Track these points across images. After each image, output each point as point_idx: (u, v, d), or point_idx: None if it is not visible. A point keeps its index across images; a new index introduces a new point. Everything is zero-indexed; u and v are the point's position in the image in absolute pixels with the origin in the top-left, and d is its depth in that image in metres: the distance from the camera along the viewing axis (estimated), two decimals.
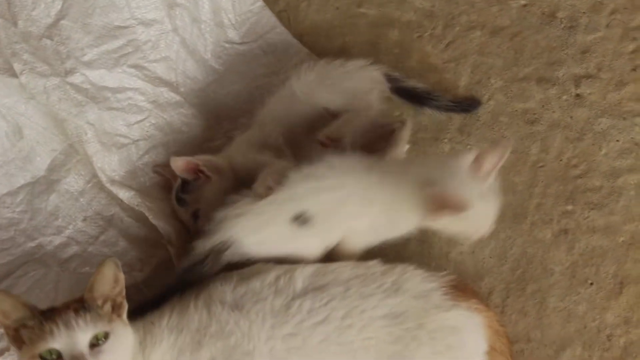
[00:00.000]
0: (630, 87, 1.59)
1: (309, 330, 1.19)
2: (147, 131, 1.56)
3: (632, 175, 1.50)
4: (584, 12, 1.67)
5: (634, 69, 1.61)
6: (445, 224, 1.27)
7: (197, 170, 1.43)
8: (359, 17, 1.74)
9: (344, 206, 1.28)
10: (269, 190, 1.28)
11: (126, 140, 1.54)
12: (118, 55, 1.58)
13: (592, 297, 1.40)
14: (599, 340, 1.37)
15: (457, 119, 1.53)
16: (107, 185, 1.48)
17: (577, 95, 1.59)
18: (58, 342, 1.09)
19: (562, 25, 1.66)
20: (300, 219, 1.28)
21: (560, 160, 1.53)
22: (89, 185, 1.52)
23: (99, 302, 1.14)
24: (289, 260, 1.30)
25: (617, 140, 1.54)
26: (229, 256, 1.29)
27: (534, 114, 1.56)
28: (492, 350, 1.23)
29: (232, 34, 1.71)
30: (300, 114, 1.45)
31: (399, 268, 1.28)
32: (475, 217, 1.24)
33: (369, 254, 1.33)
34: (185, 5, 1.65)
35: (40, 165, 1.53)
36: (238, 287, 1.23)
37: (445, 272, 1.28)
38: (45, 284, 1.41)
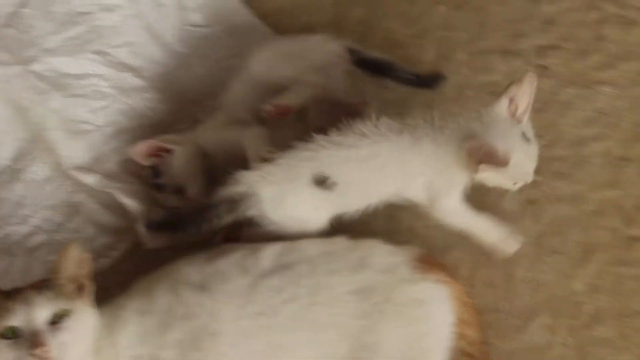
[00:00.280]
0: (595, 57, 1.59)
1: (277, 308, 1.18)
2: (112, 117, 1.55)
3: (597, 144, 1.50)
4: None
5: (598, 39, 1.61)
6: (490, 176, 1.26)
7: (158, 149, 1.44)
8: None
9: (380, 173, 1.27)
10: (266, 159, 1.30)
11: (90, 127, 1.53)
12: (81, 42, 1.56)
13: (560, 266, 1.40)
14: (567, 308, 1.37)
15: (422, 94, 1.52)
16: (73, 172, 1.47)
17: (542, 66, 1.58)
18: (17, 319, 1.08)
19: None
20: (325, 184, 1.28)
21: None
22: (55, 173, 1.51)
23: (63, 282, 1.14)
24: (296, 226, 1.30)
25: (583, 110, 1.54)
26: (244, 209, 1.30)
27: (499, 86, 1.55)
28: (459, 322, 1.23)
29: (195, 17, 1.69)
30: (264, 94, 1.44)
31: (366, 243, 1.27)
32: (520, 163, 1.24)
33: (335, 230, 1.32)
34: None
35: (5, 154, 1.51)
36: (204, 268, 1.23)
37: (411, 246, 1.28)
38: (12, 273, 1.41)
